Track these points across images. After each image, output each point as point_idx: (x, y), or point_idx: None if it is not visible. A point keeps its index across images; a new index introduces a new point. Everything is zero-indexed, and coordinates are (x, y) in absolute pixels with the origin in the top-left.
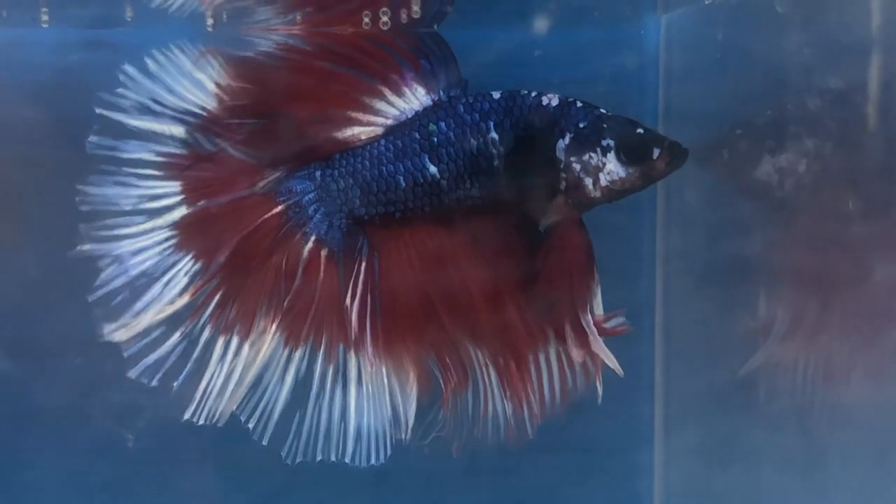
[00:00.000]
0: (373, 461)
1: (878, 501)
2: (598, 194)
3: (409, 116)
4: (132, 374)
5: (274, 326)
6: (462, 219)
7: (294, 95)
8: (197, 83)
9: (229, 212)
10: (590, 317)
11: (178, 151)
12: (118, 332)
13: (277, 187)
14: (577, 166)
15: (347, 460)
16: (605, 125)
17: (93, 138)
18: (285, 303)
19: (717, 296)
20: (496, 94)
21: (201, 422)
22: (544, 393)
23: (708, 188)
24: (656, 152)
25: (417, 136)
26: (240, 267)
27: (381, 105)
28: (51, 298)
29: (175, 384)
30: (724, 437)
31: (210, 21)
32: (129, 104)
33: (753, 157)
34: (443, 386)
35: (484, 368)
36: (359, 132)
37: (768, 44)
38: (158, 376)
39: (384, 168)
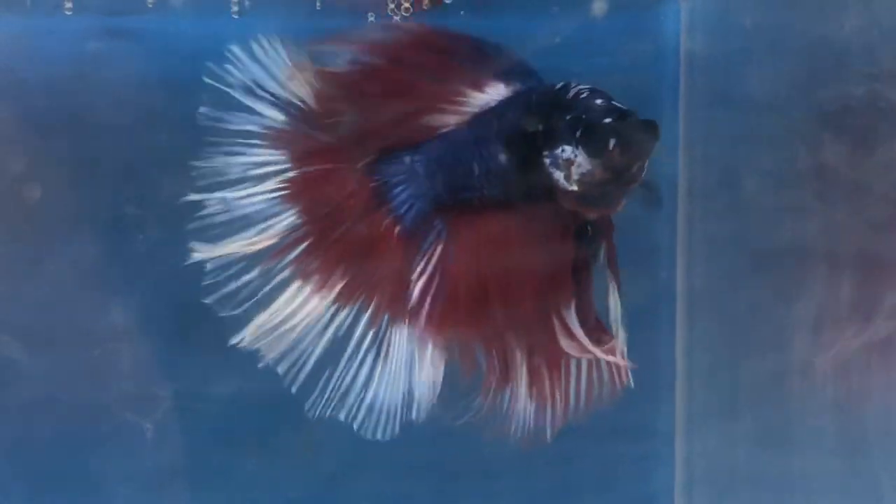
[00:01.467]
0: (378, 436)
1: None
2: (574, 188)
3: (490, 105)
4: (210, 300)
5: (339, 285)
6: (527, 213)
7: (387, 90)
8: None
9: (329, 180)
10: (575, 322)
11: (282, 127)
12: (204, 252)
13: (372, 167)
14: (548, 160)
15: (355, 427)
16: (584, 116)
17: (203, 109)
18: (355, 267)
19: (742, 287)
20: (558, 85)
21: (244, 344)
22: (569, 398)
23: (735, 177)
24: (612, 143)
25: (495, 124)
26: (328, 229)
27: (466, 97)
28: (69, 290)
29: (239, 310)
30: (747, 425)
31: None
32: (234, 82)
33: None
34: (485, 376)
35: (520, 365)
36: (445, 121)
37: (804, 29)
38: (230, 305)
39: (463, 154)
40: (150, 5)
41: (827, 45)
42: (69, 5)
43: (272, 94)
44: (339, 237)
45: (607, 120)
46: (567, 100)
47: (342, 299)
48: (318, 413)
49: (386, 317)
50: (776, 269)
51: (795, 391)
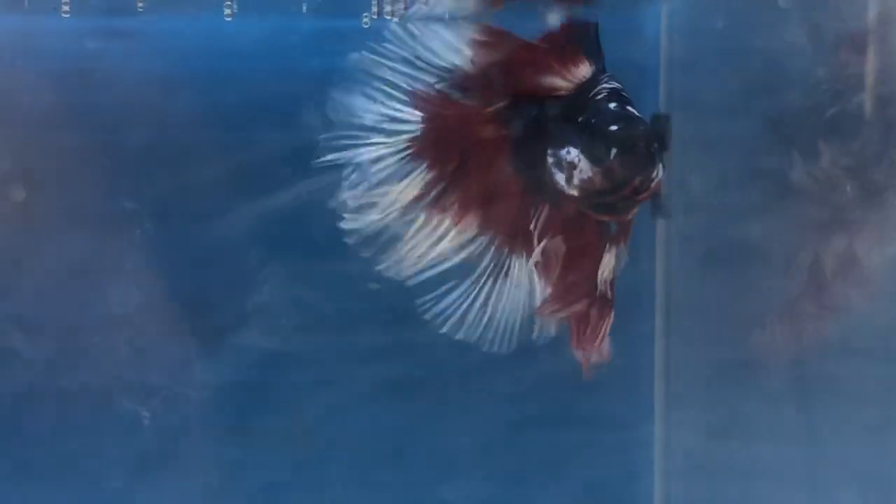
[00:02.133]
0: (496, 349)
1: (874, 473)
2: (574, 192)
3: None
4: (350, 240)
5: (470, 223)
6: None
7: (523, 62)
8: (452, 47)
9: (461, 131)
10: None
11: (424, 89)
12: (351, 223)
13: (500, 116)
14: (551, 159)
15: (475, 341)
16: (592, 119)
17: (354, 55)
18: (484, 208)
19: (717, 278)
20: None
21: (388, 273)
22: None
23: (712, 173)
24: (613, 152)
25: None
26: (463, 175)
27: (574, 71)
28: (67, 281)
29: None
30: (724, 412)
31: None
32: (391, 55)
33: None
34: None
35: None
36: (560, 86)
37: (768, 34)
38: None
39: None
40: (141, 9)
41: (773, 54)
42: (66, 7)
43: (427, 63)
44: (473, 180)
45: (613, 127)
46: (587, 98)
47: (472, 234)
48: (442, 331)
49: (507, 249)
50: (737, 265)
51: (761, 382)
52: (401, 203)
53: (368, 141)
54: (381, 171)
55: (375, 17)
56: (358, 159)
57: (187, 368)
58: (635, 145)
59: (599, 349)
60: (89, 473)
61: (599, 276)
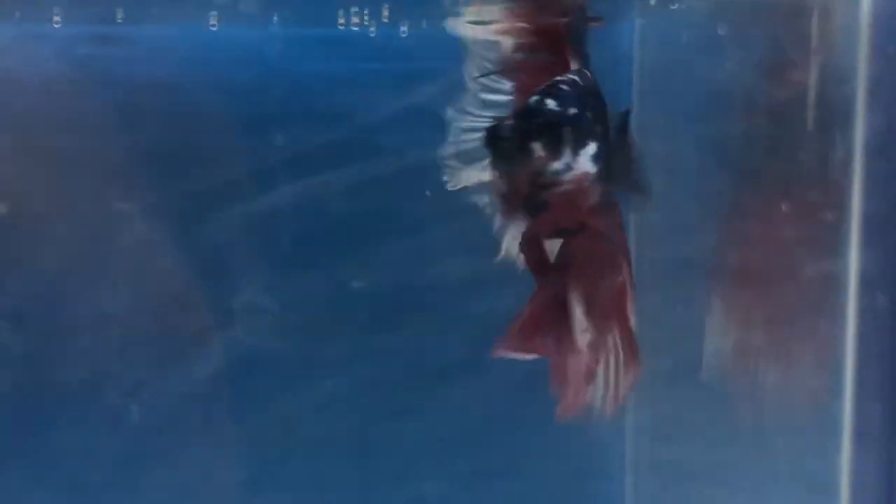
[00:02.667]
0: None
1: (817, 470)
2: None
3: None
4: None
5: None
6: None
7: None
8: None
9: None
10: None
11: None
12: (454, 182)
13: None
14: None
15: None
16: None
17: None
18: None
19: (667, 290)
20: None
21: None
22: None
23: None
24: (488, 147)
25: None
26: None
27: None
28: (60, 280)
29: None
30: (673, 416)
31: None
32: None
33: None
34: None
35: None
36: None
37: (710, 60)
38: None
39: None
40: (121, 21)
41: (716, 81)
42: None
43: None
44: None
45: (495, 124)
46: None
47: None
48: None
49: None
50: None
51: (710, 387)
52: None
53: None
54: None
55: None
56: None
57: (178, 365)
58: (497, 142)
59: (579, 403)
60: (76, 467)
61: (578, 320)
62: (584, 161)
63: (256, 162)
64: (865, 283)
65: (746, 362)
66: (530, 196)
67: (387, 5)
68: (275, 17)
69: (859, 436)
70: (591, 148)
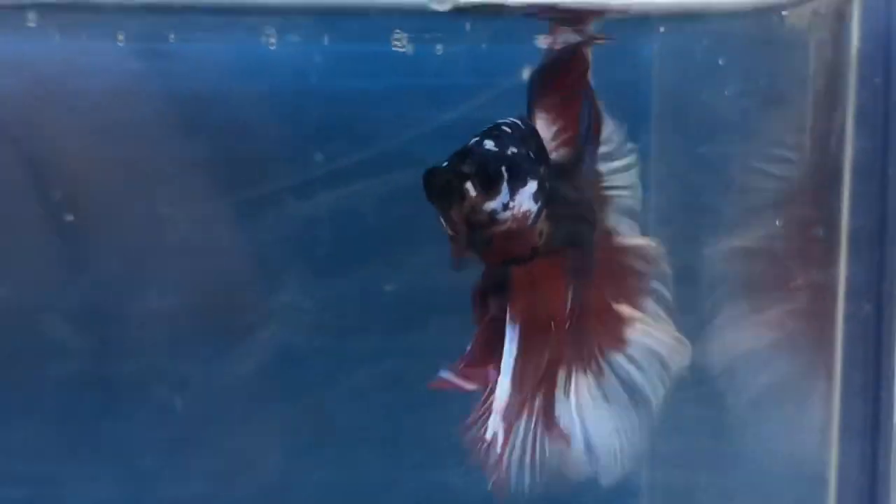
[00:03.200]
0: None
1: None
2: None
3: None
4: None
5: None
6: None
7: None
8: None
9: None
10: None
11: None
12: None
13: None
14: None
15: None
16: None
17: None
18: None
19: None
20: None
21: None
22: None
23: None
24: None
25: None
26: None
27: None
28: (110, 279)
29: None
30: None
31: None
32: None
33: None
34: None
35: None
36: None
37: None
38: None
39: None
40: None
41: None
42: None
43: None
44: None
45: (430, 167)
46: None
47: None
48: None
49: None
50: None
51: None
52: None
53: None
54: None
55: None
56: None
57: (219, 360)
58: (429, 182)
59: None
60: (125, 455)
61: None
62: (524, 199)
63: (298, 172)
64: (852, 293)
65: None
66: (471, 234)
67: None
68: (325, 38)
69: (845, 431)
70: (531, 186)
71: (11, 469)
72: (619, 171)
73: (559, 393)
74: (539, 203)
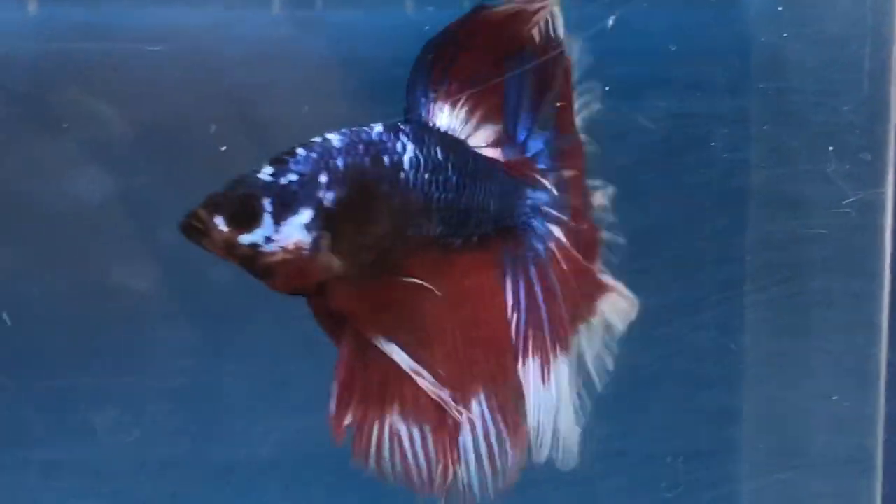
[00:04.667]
0: None
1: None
2: None
3: None
4: None
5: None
6: None
7: None
8: None
9: None
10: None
11: None
12: None
13: None
14: None
15: None
16: None
17: None
18: None
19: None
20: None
21: None
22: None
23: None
24: None
25: None
26: None
27: None
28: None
29: None
30: None
31: None
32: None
33: None
34: None
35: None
36: None
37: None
38: None
39: None
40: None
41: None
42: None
43: None
44: None
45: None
46: None
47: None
48: None
49: None
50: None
51: None
52: None
53: None
54: None
55: None
56: None
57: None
58: (182, 221)
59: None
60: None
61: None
62: (294, 231)
63: None
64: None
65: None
66: (247, 268)
67: None
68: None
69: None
70: (304, 216)
71: None
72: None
73: (535, 385)
74: (314, 233)
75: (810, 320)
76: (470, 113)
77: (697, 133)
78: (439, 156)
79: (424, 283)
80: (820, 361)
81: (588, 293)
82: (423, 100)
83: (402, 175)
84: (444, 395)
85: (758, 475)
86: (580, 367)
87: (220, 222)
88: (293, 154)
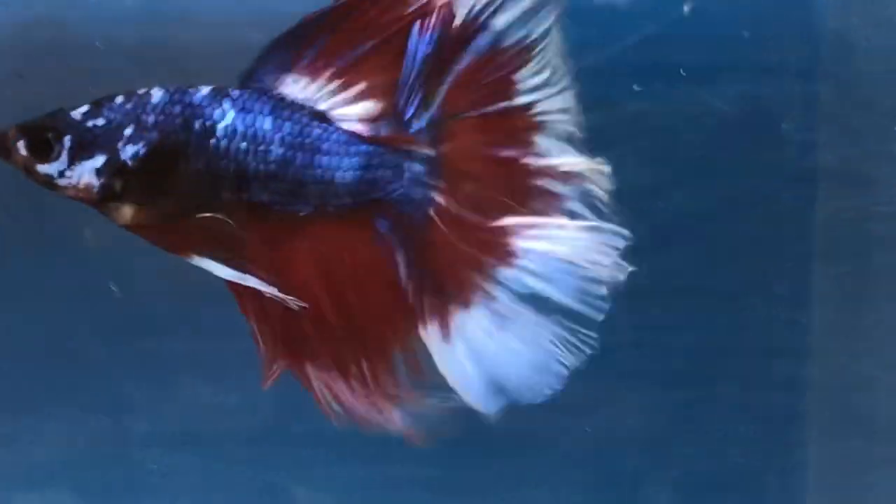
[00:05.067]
0: None
1: None
2: None
3: None
4: None
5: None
6: None
7: None
8: None
9: None
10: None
11: None
12: None
13: None
14: None
15: None
16: None
17: None
18: None
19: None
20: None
21: None
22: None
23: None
24: None
25: None
26: None
27: None
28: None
29: None
30: None
31: None
32: None
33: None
34: None
35: None
36: None
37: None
38: None
39: None
40: None
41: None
42: None
43: None
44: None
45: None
46: None
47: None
48: None
49: None
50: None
51: None
52: None
53: None
54: None
55: None
56: None
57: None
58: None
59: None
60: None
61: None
62: (84, 172)
63: None
64: None
65: None
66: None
67: None
68: None
69: None
70: (97, 161)
71: None
72: (552, 95)
73: (438, 344)
74: (103, 180)
75: (877, 294)
76: (343, 88)
77: (769, 116)
78: (266, 126)
79: (219, 216)
80: (885, 333)
81: (501, 242)
82: (274, 70)
83: (213, 142)
84: (274, 291)
85: (825, 442)
86: (530, 305)
87: (21, 146)
88: (112, 100)
